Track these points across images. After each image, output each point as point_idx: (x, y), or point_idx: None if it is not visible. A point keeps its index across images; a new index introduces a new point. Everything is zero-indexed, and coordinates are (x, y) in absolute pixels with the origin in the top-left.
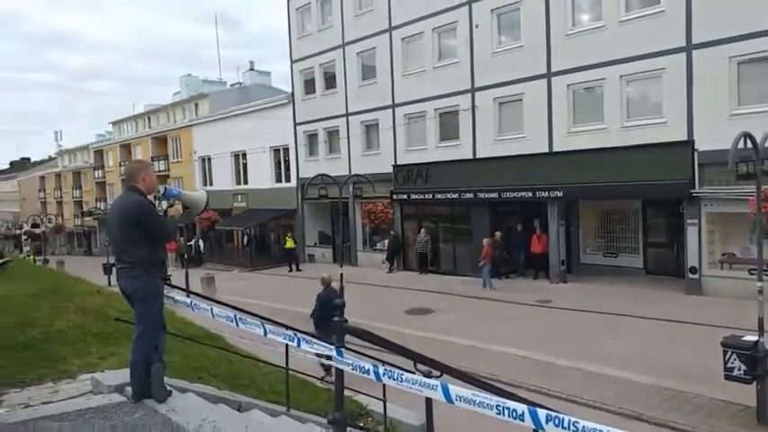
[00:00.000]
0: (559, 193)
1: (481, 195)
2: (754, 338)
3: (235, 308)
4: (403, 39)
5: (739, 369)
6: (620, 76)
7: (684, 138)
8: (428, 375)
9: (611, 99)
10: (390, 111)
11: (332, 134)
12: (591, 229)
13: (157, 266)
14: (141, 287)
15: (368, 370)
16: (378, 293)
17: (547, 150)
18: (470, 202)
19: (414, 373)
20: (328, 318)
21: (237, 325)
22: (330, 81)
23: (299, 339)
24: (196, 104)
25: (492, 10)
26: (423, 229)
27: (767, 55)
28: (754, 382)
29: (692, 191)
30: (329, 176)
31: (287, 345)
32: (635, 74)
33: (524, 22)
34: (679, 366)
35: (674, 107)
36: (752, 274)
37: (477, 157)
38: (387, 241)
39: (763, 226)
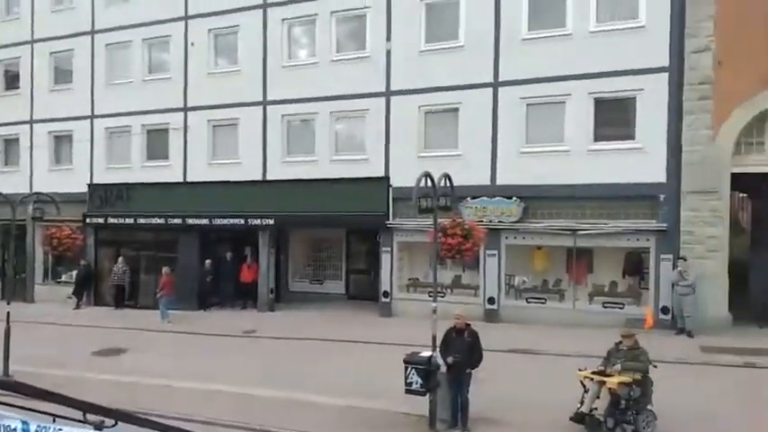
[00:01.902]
0: (271, 221)
1: (191, 221)
2: (429, 354)
3: None
4: (107, 45)
5: (417, 383)
6: (330, 113)
7: (382, 174)
8: (100, 426)
9: (321, 133)
10: (89, 122)
11: (10, 143)
12: (300, 258)
13: None
14: None
15: (15, 429)
16: (60, 334)
17: (261, 178)
18: (178, 229)
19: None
20: None
21: None
22: (12, 80)
23: None
24: None
25: (209, 30)
26: (121, 258)
27: (446, 107)
28: (428, 394)
29: (387, 222)
30: (0, 194)
31: None
32: (343, 111)
33: (242, 46)
34: (370, 385)
35: (375, 145)
36: (430, 296)
37: (188, 180)
38: (75, 272)
39: (439, 254)
